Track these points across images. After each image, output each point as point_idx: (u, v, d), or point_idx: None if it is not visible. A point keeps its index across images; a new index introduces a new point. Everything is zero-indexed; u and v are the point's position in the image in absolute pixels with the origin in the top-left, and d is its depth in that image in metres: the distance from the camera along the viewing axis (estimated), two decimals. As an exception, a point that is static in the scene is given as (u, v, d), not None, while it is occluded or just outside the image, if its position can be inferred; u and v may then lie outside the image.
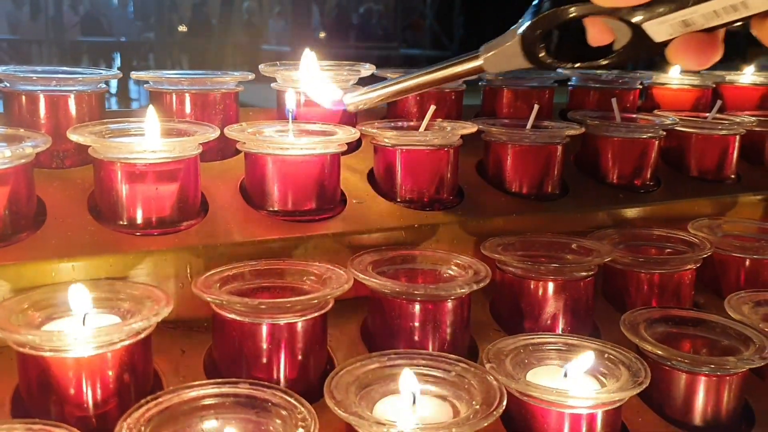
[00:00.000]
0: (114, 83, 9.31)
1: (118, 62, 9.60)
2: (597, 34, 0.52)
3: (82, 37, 9.26)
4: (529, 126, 0.86)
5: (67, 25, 8.48)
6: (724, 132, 0.97)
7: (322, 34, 9.92)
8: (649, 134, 0.90)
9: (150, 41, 8.34)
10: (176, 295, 0.65)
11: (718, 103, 1.00)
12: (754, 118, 1.00)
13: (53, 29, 8.05)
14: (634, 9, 0.49)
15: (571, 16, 0.51)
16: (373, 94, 0.64)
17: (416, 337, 0.65)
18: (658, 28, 0.49)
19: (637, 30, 0.50)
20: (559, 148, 0.85)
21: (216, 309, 0.59)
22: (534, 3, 0.54)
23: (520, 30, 0.54)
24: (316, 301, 0.58)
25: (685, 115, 1.02)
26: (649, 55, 0.52)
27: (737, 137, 0.97)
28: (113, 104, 8.83)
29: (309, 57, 0.71)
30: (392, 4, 11.00)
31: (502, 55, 0.56)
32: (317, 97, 0.70)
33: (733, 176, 0.99)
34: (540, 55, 0.54)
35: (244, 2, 11.21)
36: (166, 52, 7.86)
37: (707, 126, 0.97)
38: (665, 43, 0.50)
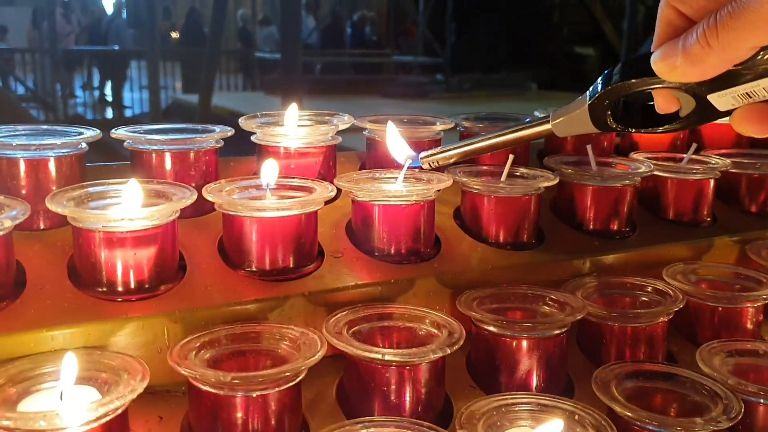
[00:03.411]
0: (109, 92, 9.35)
1: (111, 70, 9.61)
2: (663, 103, 0.56)
3: (75, 47, 9.27)
4: (504, 177, 0.87)
5: (60, 34, 8.47)
6: (699, 176, 0.98)
7: (315, 42, 9.95)
8: (625, 182, 0.92)
9: (143, 49, 8.34)
10: (154, 359, 0.66)
11: (693, 146, 1.01)
12: (728, 161, 1.02)
13: (47, 39, 8.04)
14: (700, 82, 0.52)
15: (638, 89, 0.55)
16: (446, 154, 0.70)
17: (391, 399, 0.66)
18: (722, 100, 0.53)
19: (701, 100, 0.54)
20: (534, 198, 0.86)
21: (191, 381, 0.60)
22: (604, 72, 0.57)
23: (590, 100, 0.58)
24: (288, 373, 0.59)
25: (661, 157, 1.04)
26: (713, 121, 0.55)
27: (712, 181, 0.99)
28: (108, 113, 8.86)
29: (391, 126, 0.79)
30: (384, 12, 11.03)
31: (570, 122, 0.60)
32: (393, 153, 0.77)
33: (708, 219, 1.01)
34: (608, 122, 0.58)
35: (238, 10, 11.24)
36: (158, 59, 7.86)
37: (682, 170, 0.98)
38: (729, 111, 0.53)
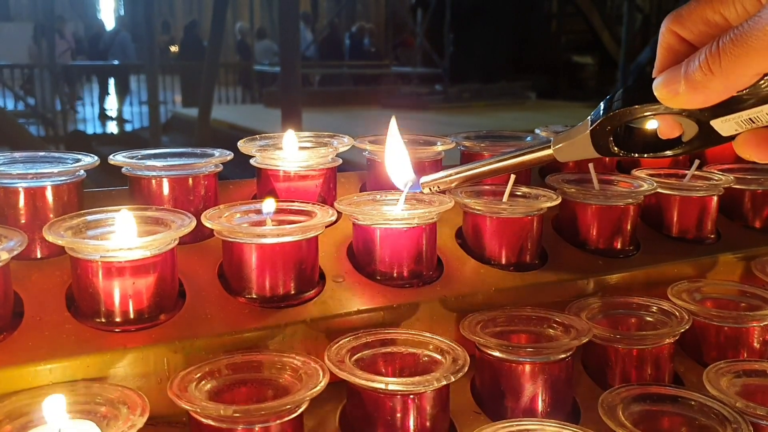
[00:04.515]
0: (113, 107, 9.37)
1: (111, 85, 9.65)
2: (666, 128, 0.56)
3: (74, 62, 9.30)
4: (505, 197, 0.86)
5: (60, 49, 8.49)
6: (702, 193, 0.97)
7: (314, 54, 9.97)
8: (628, 201, 0.91)
9: (142, 64, 8.37)
10: (154, 390, 0.65)
11: (696, 162, 1.00)
12: (731, 176, 1.01)
13: (47, 54, 8.06)
14: (702, 108, 0.52)
15: (640, 114, 0.55)
16: (447, 179, 0.71)
17: (396, 428, 0.65)
18: (725, 125, 0.53)
19: (704, 126, 0.54)
20: (536, 218, 0.86)
21: (191, 414, 0.59)
22: (606, 98, 0.57)
23: (591, 126, 0.58)
24: (290, 405, 0.58)
25: (663, 173, 1.03)
26: (716, 146, 0.56)
27: (715, 197, 0.98)
28: (108, 128, 8.88)
29: (389, 150, 0.78)
30: (383, 23, 11.06)
31: (573, 147, 0.60)
32: (393, 178, 0.77)
33: (712, 236, 1.00)
34: (610, 147, 0.58)
35: (236, 23, 11.27)
36: (158, 74, 7.89)
37: (685, 187, 0.98)
38: (732, 136, 0.53)
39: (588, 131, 0.58)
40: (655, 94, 0.52)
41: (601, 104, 0.57)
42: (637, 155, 0.59)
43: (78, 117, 9.00)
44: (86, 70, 9.72)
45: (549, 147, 0.62)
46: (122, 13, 13.41)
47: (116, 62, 9.29)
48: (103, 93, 9.58)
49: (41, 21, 8.31)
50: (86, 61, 9.73)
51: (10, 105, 8.18)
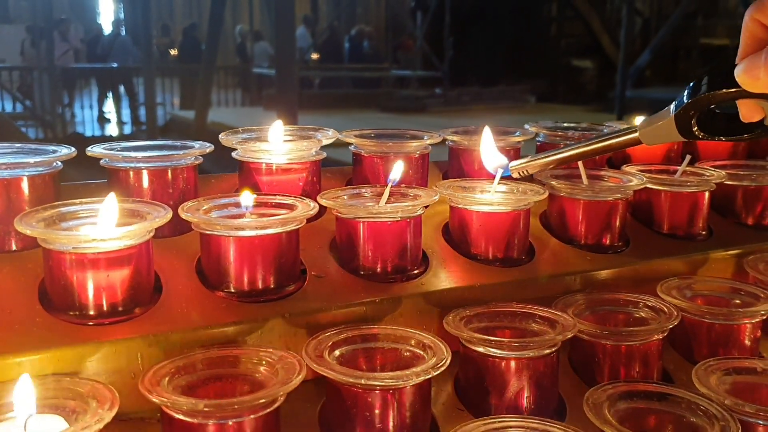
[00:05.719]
0: (113, 110, 9.36)
1: (109, 87, 9.63)
2: (748, 112, 0.59)
3: (74, 64, 9.28)
4: (492, 192, 0.85)
5: (58, 52, 8.48)
6: (693, 189, 0.96)
7: (314, 56, 9.97)
8: (616, 196, 0.89)
9: (141, 66, 8.34)
10: (128, 385, 0.64)
11: (687, 158, 0.99)
12: (723, 172, 0.99)
13: (45, 57, 8.04)
14: None
15: (723, 99, 0.58)
16: (535, 162, 0.75)
17: (375, 425, 0.64)
18: None
19: None
20: (523, 213, 0.84)
21: (163, 408, 0.58)
22: (689, 84, 0.60)
23: (676, 111, 0.61)
24: (264, 400, 0.57)
25: (654, 169, 1.01)
26: None
27: (707, 193, 0.96)
28: (107, 130, 8.86)
29: (486, 134, 0.84)
30: (383, 26, 11.05)
31: (658, 131, 0.63)
32: (485, 161, 0.81)
33: (703, 232, 0.98)
34: (693, 131, 0.61)
35: (236, 26, 11.27)
36: (156, 76, 7.86)
37: (676, 183, 0.96)
38: None
39: (672, 116, 0.61)
40: (737, 79, 0.55)
41: (685, 89, 0.60)
42: (725, 138, 0.62)
43: (77, 120, 8.98)
44: (85, 72, 9.70)
45: (635, 131, 0.65)
46: (122, 15, 13.42)
47: (115, 65, 9.27)
48: (102, 95, 9.56)
49: (40, 23, 8.29)
50: (85, 64, 9.71)
51: (8, 107, 8.17)
